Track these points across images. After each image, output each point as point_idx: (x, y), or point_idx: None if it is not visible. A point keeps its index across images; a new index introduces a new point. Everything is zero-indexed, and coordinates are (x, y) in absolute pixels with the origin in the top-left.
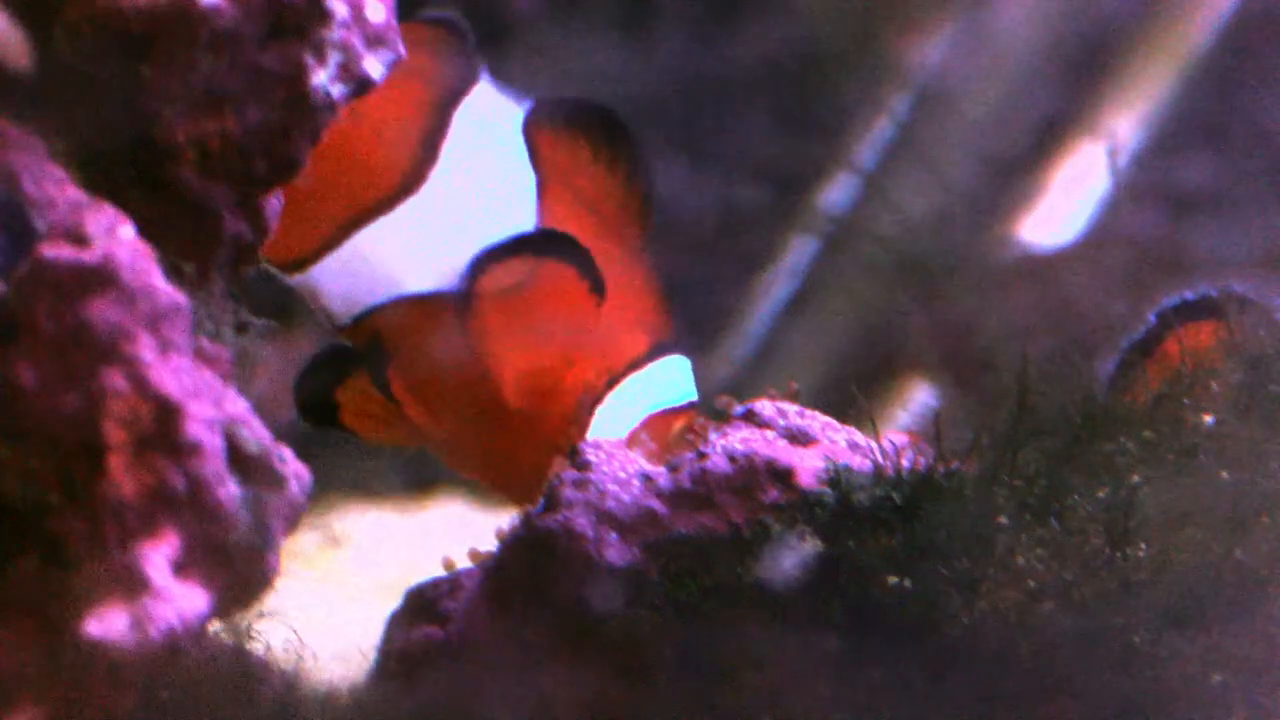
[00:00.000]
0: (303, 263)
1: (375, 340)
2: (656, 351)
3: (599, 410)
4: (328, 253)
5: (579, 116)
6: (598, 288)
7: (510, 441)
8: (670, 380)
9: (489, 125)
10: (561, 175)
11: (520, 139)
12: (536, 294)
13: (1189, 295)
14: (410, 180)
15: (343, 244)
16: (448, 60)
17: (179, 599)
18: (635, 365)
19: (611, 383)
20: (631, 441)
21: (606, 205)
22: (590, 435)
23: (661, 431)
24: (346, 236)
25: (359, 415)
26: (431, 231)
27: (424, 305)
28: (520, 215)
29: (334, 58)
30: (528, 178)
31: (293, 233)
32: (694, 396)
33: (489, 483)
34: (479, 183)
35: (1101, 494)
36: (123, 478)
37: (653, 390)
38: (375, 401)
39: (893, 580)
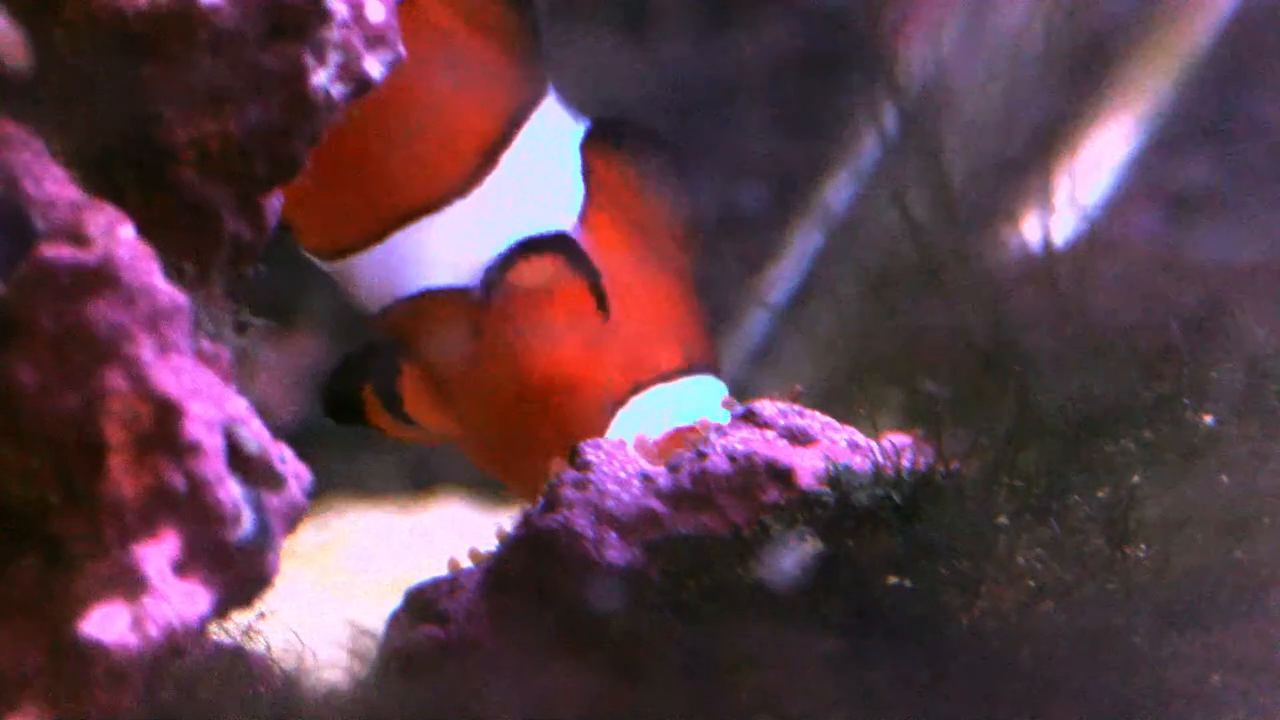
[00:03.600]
0: (344, 252)
1: (388, 347)
2: (690, 370)
3: (621, 414)
4: (371, 245)
5: (634, 140)
6: (600, 299)
7: (527, 438)
8: (701, 400)
9: (550, 140)
10: (610, 193)
11: (576, 155)
12: (554, 294)
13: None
14: (465, 184)
15: (387, 239)
16: (522, 71)
17: (179, 599)
18: (665, 378)
19: (636, 389)
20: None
21: (653, 227)
22: (608, 438)
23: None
24: (392, 232)
25: (383, 413)
26: (473, 235)
27: (450, 299)
28: (563, 227)
29: (334, 58)
30: (577, 193)
31: (338, 223)
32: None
33: (508, 480)
34: (529, 194)
35: (1101, 494)
36: (123, 478)
37: (680, 405)
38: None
39: (893, 580)
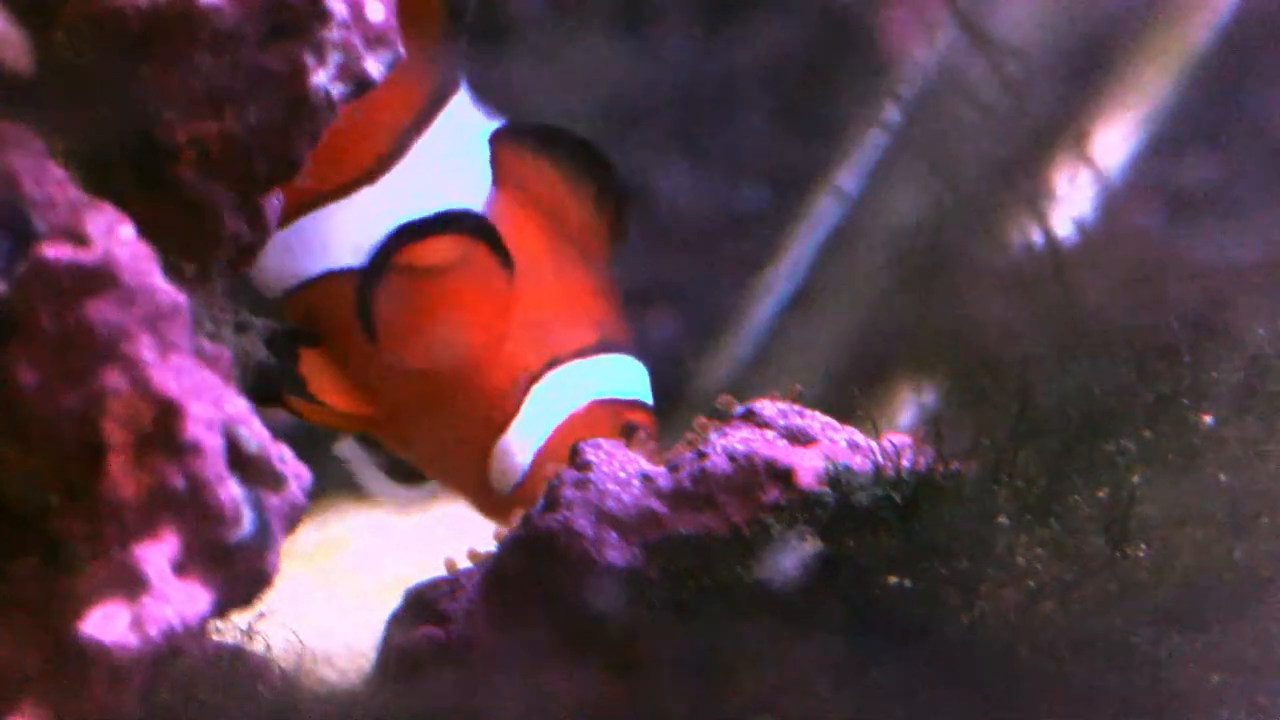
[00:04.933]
0: None
1: (287, 332)
2: (606, 347)
3: (536, 389)
4: (280, 227)
5: (547, 138)
6: (507, 264)
7: (439, 416)
8: (620, 376)
9: (461, 132)
10: (519, 181)
11: (485, 147)
12: (449, 271)
13: None
14: (374, 171)
15: (294, 222)
16: (437, 66)
17: (179, 599)
18: (581, 354)
19: (552, 364)
20: (572, 425)
21: (568, 215)
22: (525, 413)
23: (605, 420)
24: (301, 215)
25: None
26: (378, 220)
27: (350, 280)
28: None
29: (334, 58)
30: (485, 180)
31: None
32: (647, 399)
33: (423, 462)
34: (437, 181)
35: (1101, 494)
36: (123, 478)
37: (598, 380)
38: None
39: (893, 580)
